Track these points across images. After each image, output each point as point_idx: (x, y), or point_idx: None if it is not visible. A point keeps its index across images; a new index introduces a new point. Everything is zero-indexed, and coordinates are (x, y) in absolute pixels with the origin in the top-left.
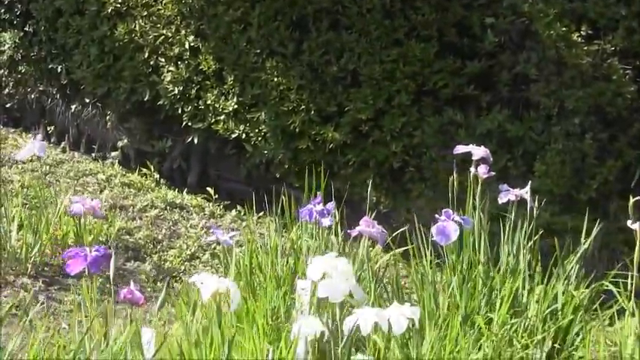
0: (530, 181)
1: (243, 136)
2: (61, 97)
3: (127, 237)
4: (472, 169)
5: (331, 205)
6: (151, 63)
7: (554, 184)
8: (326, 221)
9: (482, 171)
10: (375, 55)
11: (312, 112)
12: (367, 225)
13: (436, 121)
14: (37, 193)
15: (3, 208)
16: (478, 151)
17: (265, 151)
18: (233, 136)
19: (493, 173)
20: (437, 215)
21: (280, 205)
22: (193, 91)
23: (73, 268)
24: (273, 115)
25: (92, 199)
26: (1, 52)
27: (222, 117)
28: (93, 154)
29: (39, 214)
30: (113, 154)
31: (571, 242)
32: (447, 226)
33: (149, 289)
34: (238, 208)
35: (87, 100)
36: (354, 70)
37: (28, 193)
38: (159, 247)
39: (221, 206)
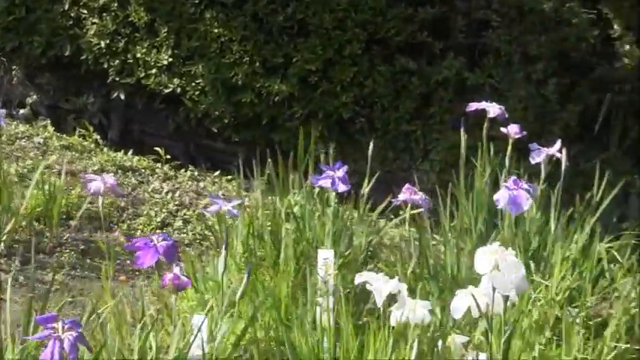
0: (559, 139)
1: (178, 90)
2: None
3: (89, 206)
4: (486, 125)
5: (344, 169)
6: (72, 15)
7: None
8: (342, 187)
9: (514, 130)
10: (325, 3)
11: (257, 64)
12: (410, 193)
13: (388, 70)
14: None
15: None
16: (493, 109)
17: (203, 106)
18: (166, 90)
19: (525, 133)
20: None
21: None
22: (121, 45)
23: (144, 260)
24: (213, 67)
25: (103, 176)
26: None
27: (153, 71)
28: None
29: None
30: (22, 111)
31: None
32: (519, 195)
33: (127, 262)
34: (190, 168)
35: None
36: (302, 20)
37: None
38: (125, 215)
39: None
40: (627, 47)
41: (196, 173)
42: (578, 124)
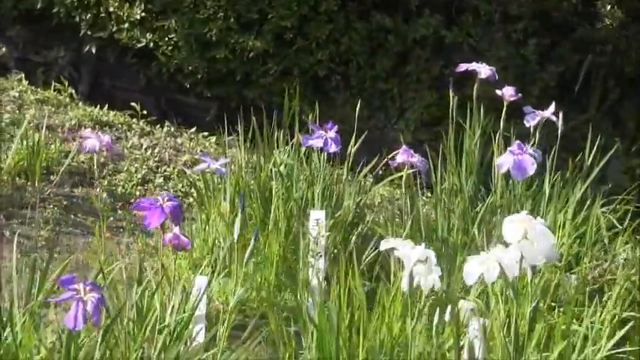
0: (553, 102)
1: (151, 45)
2: None
3: (67, 160)
4: (476, 86)
5: (335, 129)
6: None
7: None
8: (333, 148)
9: (510, 93)
10: None
11: (231, 19)
12: (408, 155)
13: (364, 27)
14: None
15: None
16: (485, 70)
17: (176, 61)
18: (139, 45)
19: (520, 95)
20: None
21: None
22: None
23: (151, 221)
24: (187, 23)
25: (99, 134)
26: None
27: (125, 25)
28: None
29: None
30: None
31: None
32: (524, 159)
33: (110, 218)
34: (167, 123)
35: None
36: None
37: None
38: (105, 170)
39: (146, 122)
40: (609, 8)
41: (172, 129)
42: (558, 85)
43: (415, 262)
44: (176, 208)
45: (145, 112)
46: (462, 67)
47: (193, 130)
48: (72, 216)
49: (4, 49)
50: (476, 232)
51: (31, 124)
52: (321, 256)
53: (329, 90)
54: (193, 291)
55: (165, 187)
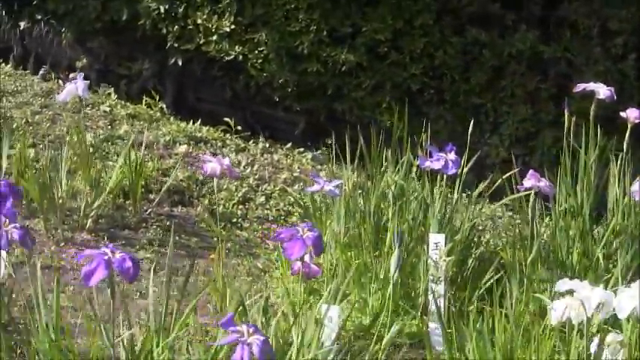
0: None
1: (240, 57)
2: (7, 13)
3: (165, 178)
4: (594, 107)
5: (454, 150)
6: None
7: None
8: (452, 170)
9: (635, 115)
10: None
11: (324, 32)
12: (535, 179)
13: (459, 41)
14: (76, 135)
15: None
16: (603, 90)
17: (265, 74)
18: (227, 58)
19: None
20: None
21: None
22: (180, 10)
23: (293, 252)
24: (278, 36)
25: (222, 157)
26: None
27: (214, 37)
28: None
29: (88, 160)
30: (71, 75)
31: None
32: None
33: (214, 238)
34: (261, 138)
35: (38, 17)
36: None
37: (36, 131)
38: (205, 189)
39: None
40: None
41: (267, 145)
42: None
43: (597, 304)
44: (317, 239)
45: (239, 127)
46: (580, 86)
47: (289, 145)
48: (177, 238)
49: (84, 60)
50: (600, 256)
51: (125, 141)
52: (441, 281)
53: (421, 104)
54: (325, 321)
55: (267, 206)
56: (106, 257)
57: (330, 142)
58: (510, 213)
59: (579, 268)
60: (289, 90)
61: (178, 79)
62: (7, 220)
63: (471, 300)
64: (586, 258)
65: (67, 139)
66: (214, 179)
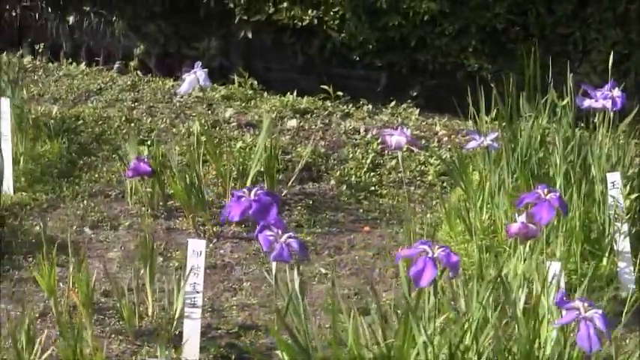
0: None
1: (315, 21)
2: (53, 9)
3: (287, 156)
4: None
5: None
6: None
7: None
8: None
9: None
10: None
11: None
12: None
13: None
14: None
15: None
16: None
17: (343, 34)
18: (302, 23)
19: None
20: None
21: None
22: None
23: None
24: None
25: (404, 129)
26: None
27: (284, 4)
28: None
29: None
30: (132, 63)
31: None
32: None
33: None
34: (361, 102)
35: (86, 9)
36: None
37: (139, 127)
38: (330, 161)
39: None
40: None
41: (371, 107)
42: None
43: None
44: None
45: (339, 92)
46: None
47: (392, 104)
48: (322, 214)
49: (141, 47)
50: None
51: (232, 123)
52: (625, 219)
53: (506, 43)
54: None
55: (399, 170)
56: (429, 256)
57: (414, 93)
58: None
59: None
60: (370, 47)
61: (245, 53)
62: (279, 230)
63: None
64: None
65: (182, 131)
66: (388, 152)
